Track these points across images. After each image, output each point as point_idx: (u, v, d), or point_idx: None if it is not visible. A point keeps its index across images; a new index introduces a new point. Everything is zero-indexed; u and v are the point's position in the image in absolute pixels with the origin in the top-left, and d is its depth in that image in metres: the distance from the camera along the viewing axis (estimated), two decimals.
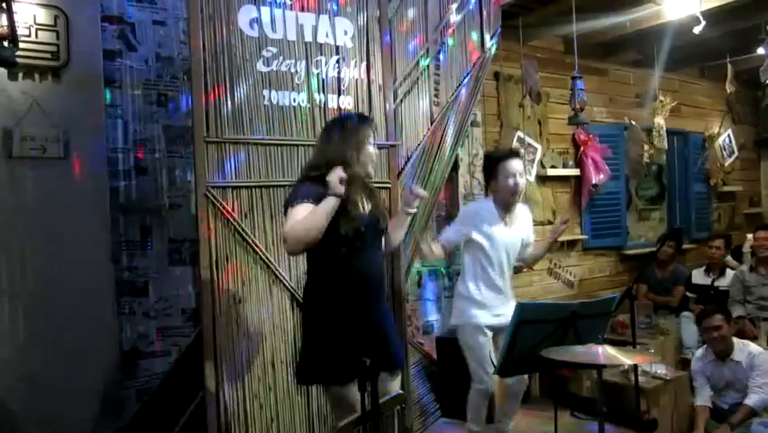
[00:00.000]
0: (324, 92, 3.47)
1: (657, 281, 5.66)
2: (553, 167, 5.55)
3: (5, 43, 2.79)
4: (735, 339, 3.95)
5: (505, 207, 3.42)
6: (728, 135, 7.43)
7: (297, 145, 3.38)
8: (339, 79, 3.52)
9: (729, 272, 5.34)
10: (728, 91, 6.19)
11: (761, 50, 5.03)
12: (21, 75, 3.16)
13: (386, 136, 3.69)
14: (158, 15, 3.85)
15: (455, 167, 4.55)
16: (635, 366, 3.71)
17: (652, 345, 4.54)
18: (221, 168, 3.15)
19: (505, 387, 3.46)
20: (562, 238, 5.57)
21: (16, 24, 2.86)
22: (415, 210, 2.78)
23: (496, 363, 3.38)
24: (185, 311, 3.85)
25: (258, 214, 3.25)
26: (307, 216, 2.33)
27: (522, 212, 3.54)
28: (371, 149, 2.58)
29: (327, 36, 3.49)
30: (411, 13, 3.86)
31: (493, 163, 3.43)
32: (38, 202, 3.18)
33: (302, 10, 3.42)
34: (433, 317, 4.82)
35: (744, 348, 3.89)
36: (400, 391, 2.45)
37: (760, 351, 3.90)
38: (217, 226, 3.13)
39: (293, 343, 3.29)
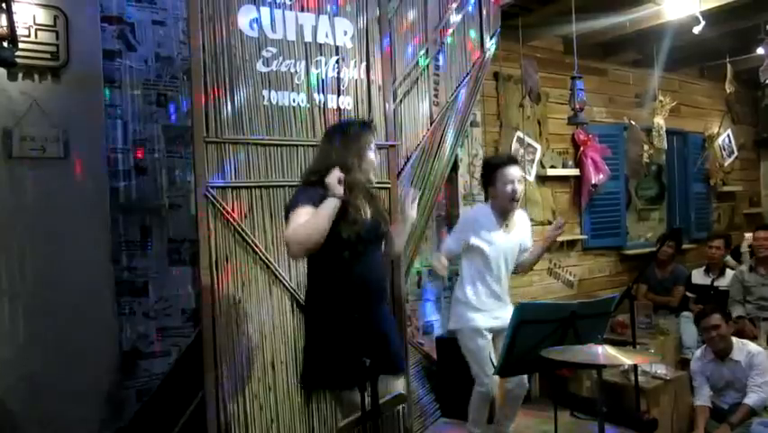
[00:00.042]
0: (323, 92, 3.47)
1: (657, 281, 5.66)
2: (552, 167, 5.55)
3: (5, 44, 2.79)
4: (734, 339, 3.95)
5: (503, 212, 3.42)
6: (728, 135, 7.43)
7: (297, 145, 3.38)
8: (339, 80, 3.52)
9: (729, 272, 5.34)
10: (728, 91, 6.19)
11: (760, 50, 5.03)
12: (20, 75, 3.16)
13: (385, 136, 3.69)
14: (157, 15, 3.84)
15: (455, 167, 4.55)
16: (635, 366, 3.71)
17: (652, 345, 4.54)
18: (220, 168, 3.15)
19: (505, 391, 3.46)
20: (561, 238, 5.58)
21: (16, 25, 2.86)
22: (413, 213, 2.78)
23: (495, 365, 3.39)
24: (185, 311, 3.85)
25: (257, 214, 3.25)
26: (309, 220, 2.33)
27: (520, 218, 3.54)
28: (372, 155, 2.59)
29: (327, 36, 3.49)
30: (411, 13, 3.87)
31: (492, 170, 3.43)
32: (38, 202, 3.18)
33: (302, 10, 3.42)
34: (433, 317, 4.82)
35: (743, 348, 3.89)
36: (400, 392, 2.45)
37: (759, 350, 3.90)
38: (217, 227, 3.13)
39: (293, 343, 3.29)
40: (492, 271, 3.39)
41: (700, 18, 4.36)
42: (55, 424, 3.10)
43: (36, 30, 3.18)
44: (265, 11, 3.31)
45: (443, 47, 3.98)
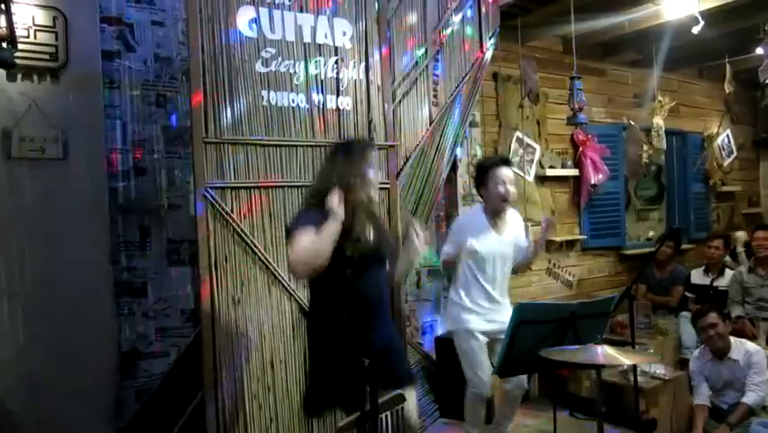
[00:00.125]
0: (322, 93, 3.47)
1: (656, 281, 5.67)
2: (551, 167, 5.55)
3: (4, 44, 2.79)
4: (732, 338, 3.95)
5: (494, 213, 3.42)
6: (727, 135, 7.43)
7: (296, 146, 3.38)
8: (338, 80, 3.53)
9: (728, 272, 5.34)
10: (727, 91, 6.20)
11: (759, 50, 5.03)
12: (20, 76, 3.15)
13: (384, 137, 3.69)
14: (156, 16, 3.84)
15: (454, 167, 4.55)
16: (634, 366, 3.72)
17: (651, 346, 4.54)
18: (220, 168, 3.16)
19: (504, 391, 3.46)
20: (560, 238, 5.60)
21: (15, 25, 2.85)
22: (423, 249, 2.69)
23: (495, 365, 3.39)
24: (184, 312, 3.85)
25: (257, 214, 3.25)
26: (312, 243, 2.35)
27: (512, 217, 3.53)
28: (373, 173, 2.59)
29: (326, 37, 3.49)
30: (410, 13, 3.87)
31: (484, 171, 3.44)
32: (37, 203, 3.18)
33: (301, 11, 3.42)
34: (432, 317, 4.82)
35: (741, 347, 3.89)
36: (399, 391, 2.45)
37: (757, 349, 3.90)
38: (216, 227, 3.13)
39: (292, 343, 3.30)
40: (486, 273, 3.39)
41: (699, 18, 4.36)
42: (54, 424, 3.09)
43: (35, 31, 3.18)
44: (264, 11, 3.31)
45: (442, 47, 3.98)
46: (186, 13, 3.20)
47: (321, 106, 3.47)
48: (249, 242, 3.20)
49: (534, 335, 2.69)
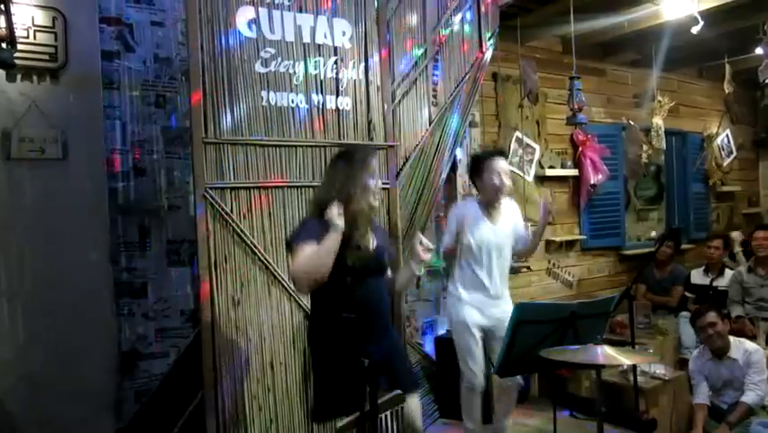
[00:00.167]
0: (322, 93, 3.47)
1: (656, 281, 5.67)
2: (551, 167, 5.55)
3: (4, 45, 2.79)
4: (731, 337, 3.95)
5: (489, 205, 3.44)
6: (727, 135, 7.43)
7: (296, 146, 3.38)
8: (337, 80, 3.53)
9: (728, 272, 5.34)
10: (726, 91, 6.20)
11: (759, 50, 5.03)
12: (19, 76, 3.16)
13: (384, 137, 3.69)
14: (156, 16, 3.84)
15: (454, 167, 4.55)
16: (634, 366, 3.72)
17: (651, 346, 4.54)
18: (219, 169, 3.16)
19: (498, 383, 3.46)
20: (560, 238, 5.60)
21: (14, 26, 2.85)
22: (426, 258, 2.63)
23: (494, 364, 3.40)
24: (183, 312, 3.85)
25: (256, 215, 3.25)
26: (313, 256, 2.36)
27: (507, 207, 3.53)
28: (374, 182, 2.59)
29: (325, 37, 3.49)
30: (409, 13, 3.87)
31: (479, 162, 3.46)
32: (37, 203, 3.18)
33: (300, 11, 3.42)
34: (432, 317, 4.82)
35: (740, 346, 3.89)
36: (398, 391, 2.44)
37: (756, 348, 3.90)
38: (216, 227, 3.13)
39: (292, 344, 3.29)
40: (482, 264, 3.40)
41: (699, 18, 4.37)
42: (54, 424, 3.09)
43: (35, 31, 3.18)
44: (263, 12, 3.31)
45: (441, 47, 3.98)
46: (185, 14, 3.19)
47: (320, 107, 3.47)
48: (248, 242, 3.20)
49: (534, 335, 2.69)
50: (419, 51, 3.88)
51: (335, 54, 3.52)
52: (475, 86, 4.10)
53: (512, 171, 5.08)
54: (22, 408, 3.07)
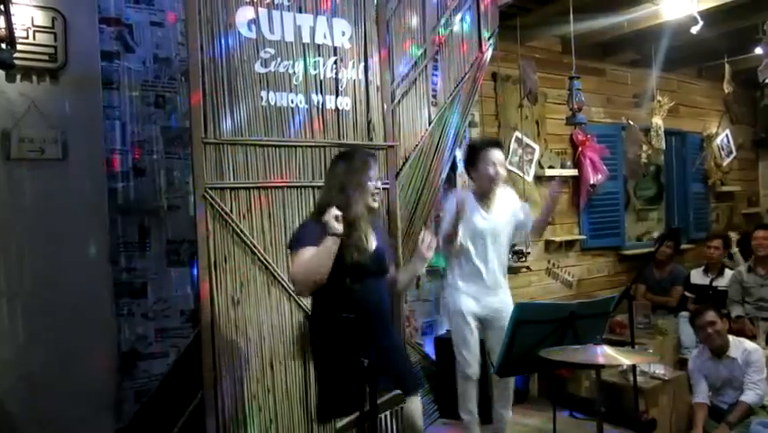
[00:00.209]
0: (321, 93, 3.47)
1: (655, 282, 5.67)
2: (551, 167, 5.55)
3: (3, 45, 2.78)
4: (730, 336, 3.96)
5: (483, 195, 3.44)
6: (726, 135, 7.43)
7: (295, 146, 3.38)
8: (337, 80, 3.53)
9: (728, 272, 5.33)
10: (726, 91, 6.21)
11: (758, 50, 5.02)
12: (19, 77, 3.15)
13: (384, 137, 3.69)
14: (155, 17, 3.84)
15: (453, 167, 4.55)
16: (634, 366, 3.72)
17: (650, 346, 4.54)
18: (219, 169, 3.16)
19: (493, 375, 3.47)
20: (560, 238, 5.60)
21: (14, 26, 2.85)
22: (430, 255, 2.67)
23: (490, 355, 3.40)
24: (183, 312, 3.85)
25: (256, 215, 3.25)
26: (312, 259, 2.38)
27: (504, 196, 3.53)
28: (373, 184, 2.60)
29: (325, 37, 3.49)
30: (409, 13, 3.87)
31: (475, 151, 3.46)
32: (36, 203, 3.18)
33: (299, 11, 3.42)
34: (432, 317, 4.82)
35: (739, 345, 3.89)
36: (398, 391, 2.45)
37: (755, 348, 3.90)
38: (215, 227, 3.13)
39: (291, 344, 3.29)
40: (477, 254, 3.41)
41: (698, 18, 4.37)
42: (54, 424, 3.09)
43: (34, 31, 3.18)
44: (263, 12, 3.31)
45: (441, 47, 3.98)
46: (185, 14, 3.20)
47: (320, 107, 3.47)
48: (248, 242, 3.20)
49: (534, 335, 2.69)
50: (419, 51, 3.88)
51: (335, 54, 3.53)
52: (475, 86, 4.10)
53: (512, 172, 5.12)
54: (21, 408, 3.06)
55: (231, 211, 3.17)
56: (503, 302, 3.44)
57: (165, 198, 3.83)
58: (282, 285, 3.28)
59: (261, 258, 3.23)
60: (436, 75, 3.99)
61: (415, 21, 3.88)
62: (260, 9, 3.30)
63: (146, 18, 3.81)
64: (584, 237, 5.85)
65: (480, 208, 3.43)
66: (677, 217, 6.89)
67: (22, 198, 3.16)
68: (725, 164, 7.36)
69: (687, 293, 5.47)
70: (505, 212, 3.49)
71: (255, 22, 3.29)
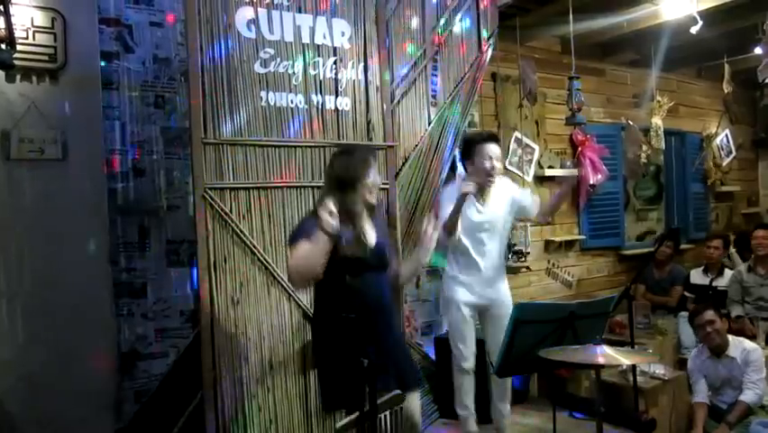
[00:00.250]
0: (321, 93, 3.47)
1: (655, 282, 5.67)
2: (550, 167, 5.55)
3: (3, 46, 2.78)
4: (730, 336, 3.96)
5: (479, 189, 3.44)
6: (726, 135, 7.44)
7: (295, 146, 3.38)
8: (336, 80, 3.53)
9: (728, 272, 5.34)
10: (726, 91, 6.21)
11: (758, 50, 5.02)
12: (18, 77, 3.15)
13: (383, 137, 3.69)
14: (155, 17, 3.85)
15: (453, 167, 4.55)
16: (634, 366, 3.72)
17: (650, 346, 4.54)
18: (218, 169, 3.16)
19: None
20: (560, 238, 5.60)
21: (14, 27, 2.85)
22: (432, 246, 2.67)
23: (494, 364, 3.40)
24: (183, 312, 3.85)
25: (256, 215, 3.25)
26: (305, 254, 2.39)
27: (500, 186, 3.53)
28: (373, 178, 2.60)
29: (325, 37, 3.49)
30: (408, 14, 3.87)
31: (471, 145, 3.48)
32: (36, 204, 3.18)
33: (299, 11, 3.42)
34: (431, 317, 4.82)
35: (738, 345, 3.90)
36: (398, 391, 2.45)
37: (754, 347, 3.91)
38: (215, 228, 3.13)
39: (291, 344, 3.29)
40: (474, 245, 3.43)
41: (698, 18, 4.37)
42: (54, 424, 3.09)
43: (34, 32, 3.18)
44: (262, 12, 3.31)
45: (440, 48, 3.98)
46: (184, 14, 3.20)
47: (320, 107, 3.47)
48: (248, 242, 3.20)
49: (534, 335, 2.69)
50: (418, 52, 3.89)
51: (334, 54, 3.53)
52: (474, 86, 4.10)
53: (512, 172, 5.12)
54: (21, 408, 3.06)
55: (230, 211, 3.17)
56: (501, 292, 3.46)
57: (165, 198, 3.83)
58: (282, 285, 3.28)
59: (261, 258, 3.23)
60: (436, 75, 3.99)
61: (414, 21, 3.88)
62: (259, 9, 3.30)
63: (146, 18, 3.81)
64: (584, 237, 5.86)
65: (476, 202, 3.44)
66: (677, 217, 6.89)
67: (21, 199, 3.16)
68: (724, 164, 7.36)
69: (686, 293, 5.47)
70: (501, 204, 3.49)
71: (255, 22, 3.29)
